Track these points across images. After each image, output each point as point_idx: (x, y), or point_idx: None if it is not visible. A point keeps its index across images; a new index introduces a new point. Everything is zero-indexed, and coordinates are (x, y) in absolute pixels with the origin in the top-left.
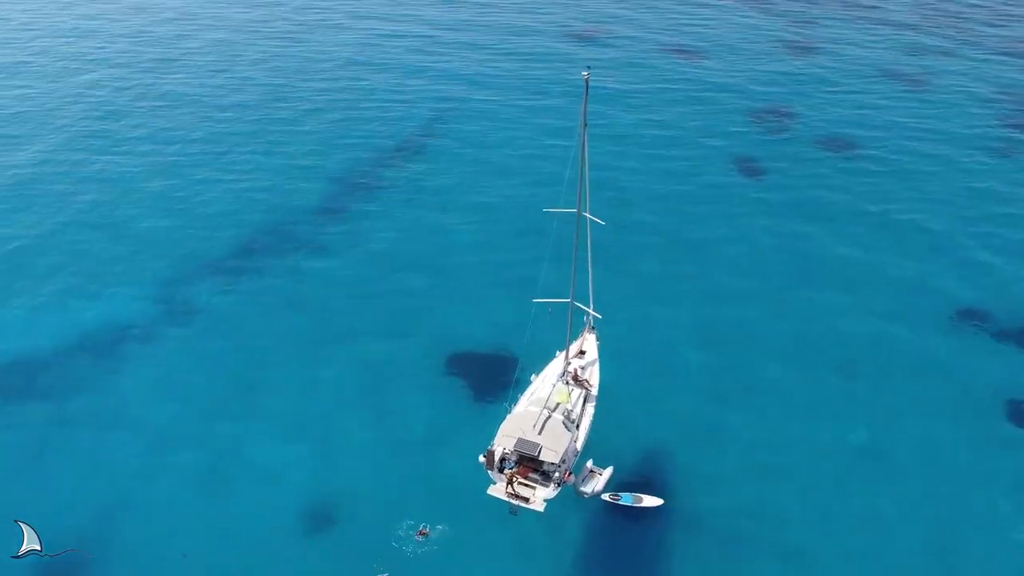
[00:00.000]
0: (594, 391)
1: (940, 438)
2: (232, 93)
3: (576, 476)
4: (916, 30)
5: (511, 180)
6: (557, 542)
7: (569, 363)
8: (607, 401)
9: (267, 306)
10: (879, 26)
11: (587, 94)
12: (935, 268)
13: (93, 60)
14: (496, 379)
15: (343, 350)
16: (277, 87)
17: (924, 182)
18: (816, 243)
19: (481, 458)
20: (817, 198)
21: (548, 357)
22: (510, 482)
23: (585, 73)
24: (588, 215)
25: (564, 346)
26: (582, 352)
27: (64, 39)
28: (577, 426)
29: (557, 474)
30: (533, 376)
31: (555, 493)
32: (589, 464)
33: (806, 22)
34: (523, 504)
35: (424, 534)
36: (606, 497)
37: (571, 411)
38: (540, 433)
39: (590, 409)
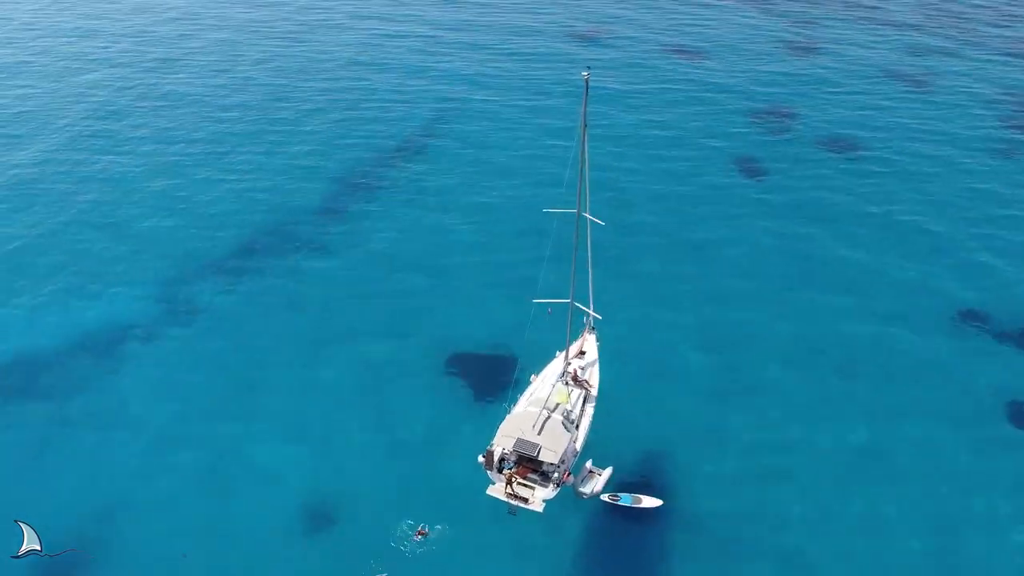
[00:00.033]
0: (594, 391)
1: (940, 439)
2: (234, 93)
3: (575, 476)
4: (919, 30)
5: (512, 180)
6: (556, 542)
7: (569, 363)
8: (607, 402)
9: (268, 306)
10: (881, 26)
11: (587, 94)
12: (936, 269)
13: (95, 60)
14: (496, 379)
15: (343, 350)
16: (279, 87)
17: (926, 183)
18: (817, 244)
19: (480, 458)
20: (818, 199)
21: (548, 357)
22: (509, 482)
23: (585, 73)
24: (588, 215)
25: (564, 346)
26: (582, 352)
27: (66, 39)
28: (576, 426)
29: (556, 474)
30: (533, 376)
31: (554, 493)
32: (588, 464)
33: (807, 22)
34: (522, 504)
35: (423, 534)
36: (605, 498)
37: (571, 411)
38: (539, 433)
39: (590, 409)
